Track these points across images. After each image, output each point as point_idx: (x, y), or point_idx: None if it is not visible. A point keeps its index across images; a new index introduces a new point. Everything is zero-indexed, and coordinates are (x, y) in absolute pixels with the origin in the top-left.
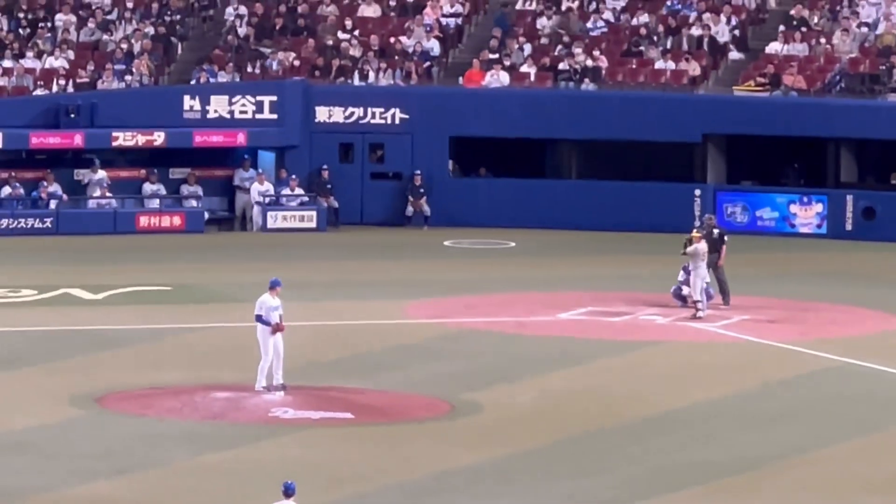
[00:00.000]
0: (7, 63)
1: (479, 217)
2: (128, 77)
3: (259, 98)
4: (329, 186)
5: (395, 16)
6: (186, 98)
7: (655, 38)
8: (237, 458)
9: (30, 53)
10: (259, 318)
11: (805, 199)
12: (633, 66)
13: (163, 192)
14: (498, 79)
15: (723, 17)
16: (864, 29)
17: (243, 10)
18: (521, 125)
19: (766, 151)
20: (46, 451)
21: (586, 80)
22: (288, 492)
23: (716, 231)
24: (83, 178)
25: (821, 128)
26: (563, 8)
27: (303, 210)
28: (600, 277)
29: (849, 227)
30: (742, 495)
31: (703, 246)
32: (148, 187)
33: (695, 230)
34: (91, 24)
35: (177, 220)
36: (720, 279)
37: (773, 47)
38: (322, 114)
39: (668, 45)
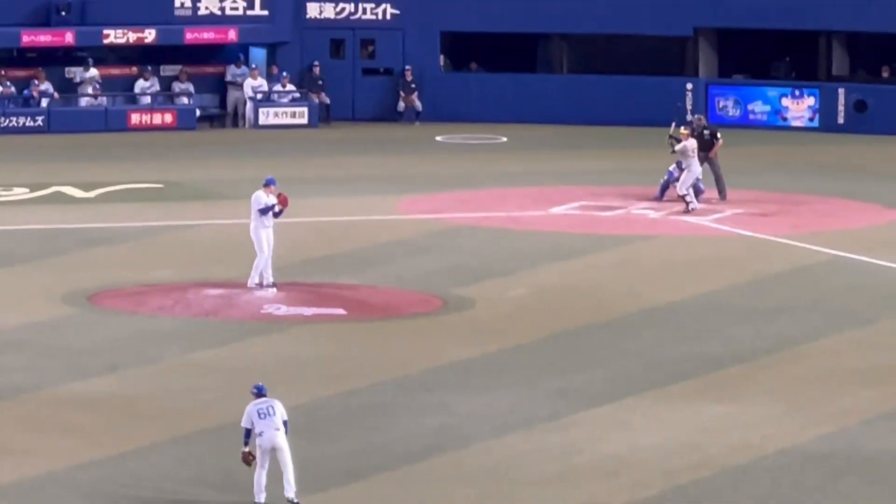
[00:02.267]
0: None
1: (471, 112)
2: None
3: None
4: (320, 82)
5: None
6: None
7: None
8: (230, 355)
9: None
10: (263, 212)
11: (797, 93)
12: None
13: (156, 88)
14: None
15: None
16: None
17: None
18: (512, 20)
19: (757, 45)
20: (39, 349)
21: None
22: (258, 393)
23: (706, 131)
24: (75, 77)
25: (812, 21)
26: None
27: (294, 106)
28: (592, 172)
29: (841, 120)
30: (736, 388)
31: (691, 143)
32: (141, 84)
33: (673, 126)
34: None
35: (168, 118)
36: (716, 173)
37: None
38: (313, 10)
39: None
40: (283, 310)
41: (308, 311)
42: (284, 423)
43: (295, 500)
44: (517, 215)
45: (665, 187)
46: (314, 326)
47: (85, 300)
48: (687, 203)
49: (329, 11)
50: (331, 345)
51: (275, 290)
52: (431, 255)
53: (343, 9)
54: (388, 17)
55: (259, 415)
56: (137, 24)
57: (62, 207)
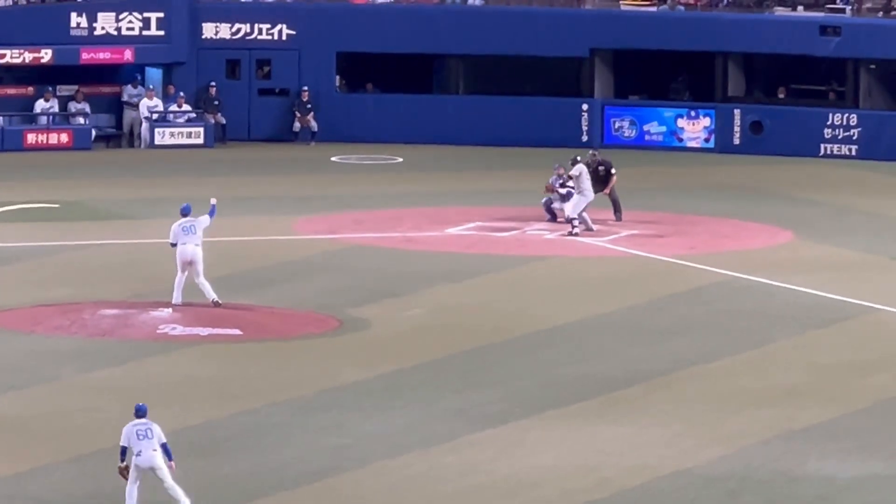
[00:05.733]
0: None
1: (367, 133)
2: None
3: (146, 14)
4: (216, 103)
5: None
6: (73, 15)
7: None
8: (126, 375)
9: None
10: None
11: (693, 114)
12: None
13: (56, 109)
14: None
15: None
16: None
17: None
18: (408, 41)
19: (653, 66)
20: None
21: None
22: (139, 413)
23: (601, 168)
24: None
25: (708, 42)
26: None
27: (190, 126)
28: (488, 192)
29: (736, 141)
30: (633, 408)
31: (582, 166)
32: (41, 104)
33: (577, 157)
34: None
35: (64, 138)
36: (612, 198)
37: None
38: (209, 30)
39: None
40: (179, 330)
41: (204, 331)
42: (163, 445)
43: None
44: (413, 235)
45: (549, 206)
46: (210, 346)
47: None
48: (573, 227)
49: (225, 32)
50: (226, 365)
51: (170, 310)
52: (327, 276)
53: (239, 29)
54: (285, 37)
55: (137, 435)
56: (34, 43)
57: None
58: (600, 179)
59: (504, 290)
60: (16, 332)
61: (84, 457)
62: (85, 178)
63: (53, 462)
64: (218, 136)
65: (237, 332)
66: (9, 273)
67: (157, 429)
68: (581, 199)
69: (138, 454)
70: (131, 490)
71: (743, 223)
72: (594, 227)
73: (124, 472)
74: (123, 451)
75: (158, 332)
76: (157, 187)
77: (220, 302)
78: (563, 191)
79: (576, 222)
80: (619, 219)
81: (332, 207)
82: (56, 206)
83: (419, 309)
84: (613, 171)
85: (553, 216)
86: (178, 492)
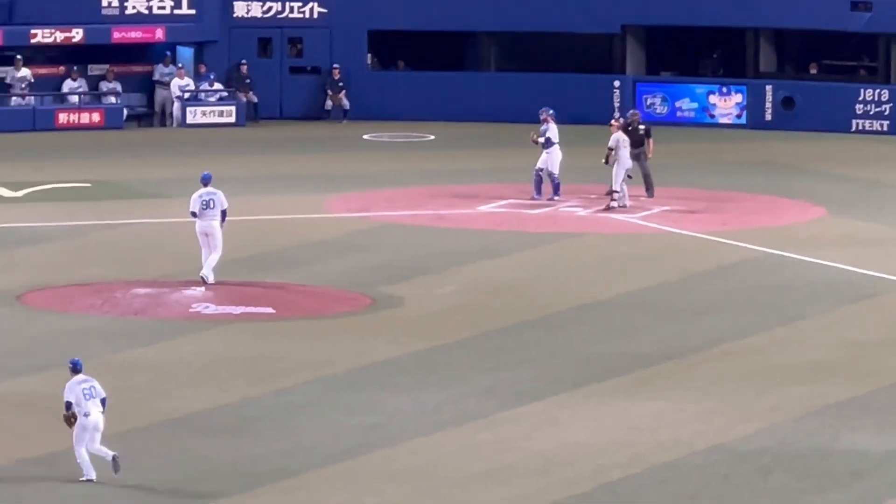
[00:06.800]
0: None
1: (398, 110)
2: None
3: None
4: (248, 81)
5: None
6: None
7: None
8: (159, 354)
9: None
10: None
11: (724, 90)
12: None
13: (84, 88)
14: None
15: None
16: None
17: None
18: (440, 18)
19: (685, 42)
20: None
21: None
22: (77, 369)
23: (641, 127)
24: (6, 76)
25: (740, 18)
26: None
27: (222, 105)
28: (520, 170)
29: (768, 117)
30: (666, 384)
31: (619, 134)
32: (69, 84)
33: (613, 120)
34: None
35: (96, 117)
36: (644, 171)
37: None
38: (240, 9)
39: None
40: (212, 309)
41: (236, 309)
42: (103, 400)
43: (116, 456)
44: (445, 213)
45: (539, 183)
46: (243, 325)
47: (14, 300)
48: (612, 199)
49: (256, 10)
50: (259, 344)
51: (203, 288)
52: (360, 254)
53: (270, 8)
54: (316, 15)
55: (84, 395)
56: (65, 23)
57: None
58: (640, 140)
59: (536, 268)
60: (48, 311)
61: (117, 436)
62: (116, 158)
63: None
64: (249, 115)
65: (270, 310)
66: (41, 253)
67: (98, 385)
68: (619, 168)
69: (86, 415)
70: (82, 454)
71: (775, 199)
72: (628, 202)
73: (71, 419)
74: (69, 405)
75: (191, 310)
76: (189, 166)
77: (208, 280)
78: (541, 140)
79: (616, 195)
80: (650, 195)
81: (364, 185)
82: (88, 185)
83: (451, 287)
84: (652, 132)
85: (538, 192)
86: (104, 450)
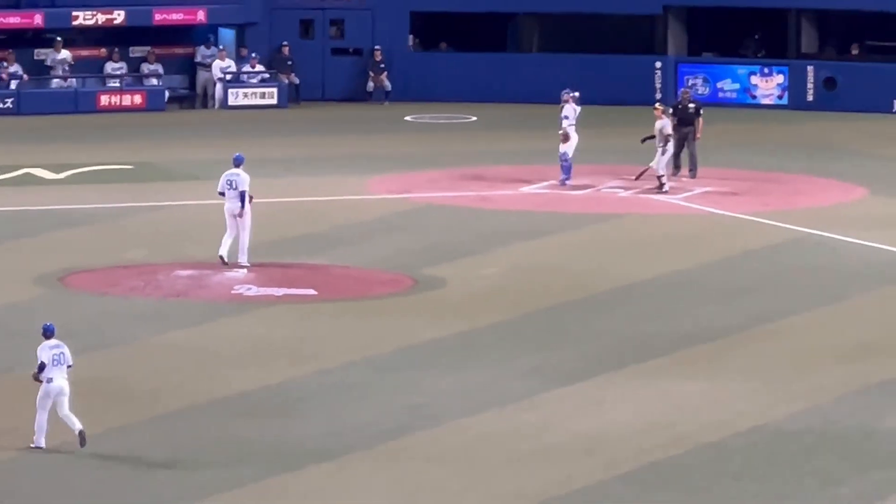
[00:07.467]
0: None
1: (440, 91)
2: None
3: None
4: (290, 63)
5: None
6: None
7: None
8: (202, 336)
9: None
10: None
11: (766, 71)
12: None
13: (125, 69)
14: None
15: None
16: None
17: None
18: None
19: (726, 23)
20: (12, 330)
21: None
22: (49, 333)
23: (691, 105)
24: (46, 58)
25: None
26: None
27: (264, 87)
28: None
29: (810, 97)
30: (709, 364)
31: (666, 122)
32: (111, 65)
33: (657, 104)
34: None
35: (138, 99)
36: (691, 151)
37: None
38: None
39: None
40: (254, 290)
41: (279, 291)
42: (69, 367)
43: (83, 431)
44: (487, 194)
45: (568, 168)
46: (285, 307)
47: (56, 282)
48: (662, 183)
49: None
50: (301, 325)
51: (245, 270)
52: (402, 235)
53: None
54: None
55: (53, 361)
56: (106, 5)
57: (32, 189)
58: (690, 119)
59: (579, 249)
60: (91, 293)
61: (159, 418)
62: (158, 140)
63: (129, 423)
64: (291, 97)
65: (312, 292)
66: (84, 235)
67: (67, 351)
68: (665, 154)
69: (50, 381)
70: (41, 420)
71: (816, 180)
72: (667, 186)
73: (39, 380)
74: (42, 367)
75: (233, 292)
76: (230, 148)
77: (226, 260)
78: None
79: (664, 179)
80: (693, 176)
81: (406, 167)
82: (129, 167)
83: (494, 268)
84: (702, 111)
85: (568, 172)
86: (73, 419)
